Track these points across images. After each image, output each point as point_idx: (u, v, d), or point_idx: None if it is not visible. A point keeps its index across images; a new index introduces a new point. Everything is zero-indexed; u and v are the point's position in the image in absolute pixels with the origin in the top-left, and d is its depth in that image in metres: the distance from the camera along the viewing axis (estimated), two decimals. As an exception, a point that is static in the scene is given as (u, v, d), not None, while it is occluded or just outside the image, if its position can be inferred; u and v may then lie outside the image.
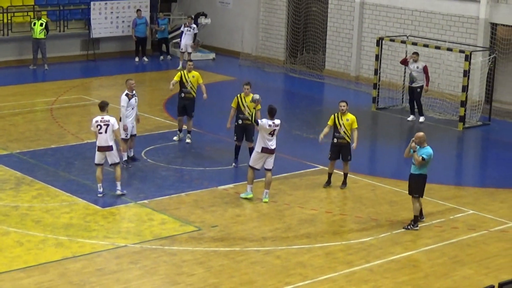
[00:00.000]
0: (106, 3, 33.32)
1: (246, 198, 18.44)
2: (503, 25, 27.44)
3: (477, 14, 27.55)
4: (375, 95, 27.26)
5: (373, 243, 16.39)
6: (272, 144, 18.08)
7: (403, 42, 27.15)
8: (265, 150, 18.05)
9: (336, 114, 19.11)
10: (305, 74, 31.72)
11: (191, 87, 22.03)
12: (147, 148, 21.74)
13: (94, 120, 18.20)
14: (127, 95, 19.91)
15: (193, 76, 22.08)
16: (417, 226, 17.10)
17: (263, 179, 18.51)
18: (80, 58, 33.21)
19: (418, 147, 16.71)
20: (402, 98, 27.58)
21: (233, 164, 20.55)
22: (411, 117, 26.00)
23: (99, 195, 18.19)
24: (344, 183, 19.49)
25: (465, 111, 25.20)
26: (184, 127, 22.58)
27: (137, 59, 33.41)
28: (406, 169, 21.50)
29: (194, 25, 32.32)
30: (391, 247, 16.22)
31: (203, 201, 18.31)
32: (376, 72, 27.28)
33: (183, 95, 22.14)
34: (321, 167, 20.71)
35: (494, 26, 27.52)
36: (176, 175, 20.05)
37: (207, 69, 32.33)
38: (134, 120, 20.21)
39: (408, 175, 17.16)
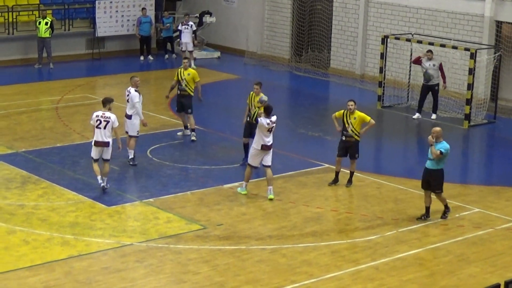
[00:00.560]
0: (111, 2, 33.32)
1: (240, 193, 18.58)
2: (508, 23, 27.40)
3: (482, 12, 27.51)
4: (380, 93, 27.25)
5: (379, 241, 16.39)
6: (269, 141, 18.30)
7: (408, 40, 27.13)
8: (264, 147, 18.22)
9: (345, 112, 19.16)
10: (310, 72, 31.70)
11: (185, 85, 22.10)
12: (153, 147, 21.75)
13: (94, 114, 18.27)
14: (136, 91, 20.00)
15: (188, 74, 22.15)
16: (446, 216, 17.66)
17: (265, 178, 18.56)
18: (85, 57, 33.23)
19: (434, 141, 17.06)
20: (408, 96, 27.56)
21: (242, 161, 20.51)
22: (416, 115, 25.99)
23: (102, 185, 18.29)
24: (350, 181, 19.50)
25: (470, 109, 25.18)
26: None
27: (142, 57, 33.42)
28: (411, 167, 21.59)
29: (191, 22, 32.26)
30: (396, 245, 16.21)
31: (208, 200, 18.32)
32: (381, 70, 27.28)
33: (179, 92, 22.30)
34: (327, 165, 20.71)
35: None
36: (181, 174, 20.06)
37: (212, 67, 32.36)
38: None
39: (422, 171, 17.41)
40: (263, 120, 18.13)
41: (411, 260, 15.62)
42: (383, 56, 27.23)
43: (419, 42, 26.63)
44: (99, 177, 18.34)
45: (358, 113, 19.08)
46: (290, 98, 29.57)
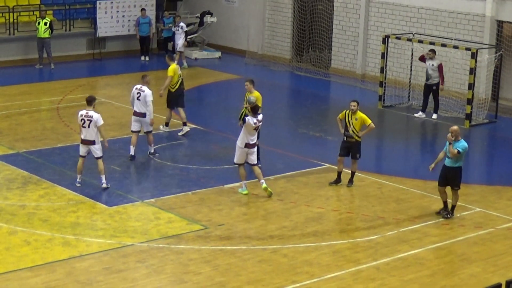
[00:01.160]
0: (112, 2, 33.32)
1: (242, 194, 18.63)
2: (509, 22, 27.39)
3: (483, 11, 27.50)
4: (381, 93, 27.25)
5: (380, 241, 16.38)
6: (253, 139, 18.51)
7: (409, 40, 27.12)
8: (248, 145, 18.43)
9: (347, 112, 19.18)
10: (311, 72, 31.68)
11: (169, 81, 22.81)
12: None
13: (79, 113, 18.47)
14: (149, 89, 20.53)
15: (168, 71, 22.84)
16: (453, 215, 17.70)
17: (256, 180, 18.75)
18: (86, 57, 33.24)
19: (453, 140, 17.29)
20: (409, 96, 27.55)
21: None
22: (419, 113, 26.01)
23: (78, 184, 18.60)
24: (351, 181, 19.49)
25: (471, 109, 25.17)
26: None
27: (142, 57, 33.44)
28: (412, 167, 21.59)
29: (182, 23, 32.26)
30: (398, 245, 16.21)
31: (209, 200, 18.32)
32: (382, 70, 27.27)
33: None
34: (328, 165, 20.71)
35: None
36: (182, 174, 20.06)
37: (213, 67, 32.36)
38: None
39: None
40: (250, 120, 18.30)
41: (412, 260, 15.60)
42: (384, 56, 27.23)
43: (420, 41, 26.63)
44: (78, 176, 18.68)
45: (360, 114, 19.08)
46: (291, 98, 29.56)
